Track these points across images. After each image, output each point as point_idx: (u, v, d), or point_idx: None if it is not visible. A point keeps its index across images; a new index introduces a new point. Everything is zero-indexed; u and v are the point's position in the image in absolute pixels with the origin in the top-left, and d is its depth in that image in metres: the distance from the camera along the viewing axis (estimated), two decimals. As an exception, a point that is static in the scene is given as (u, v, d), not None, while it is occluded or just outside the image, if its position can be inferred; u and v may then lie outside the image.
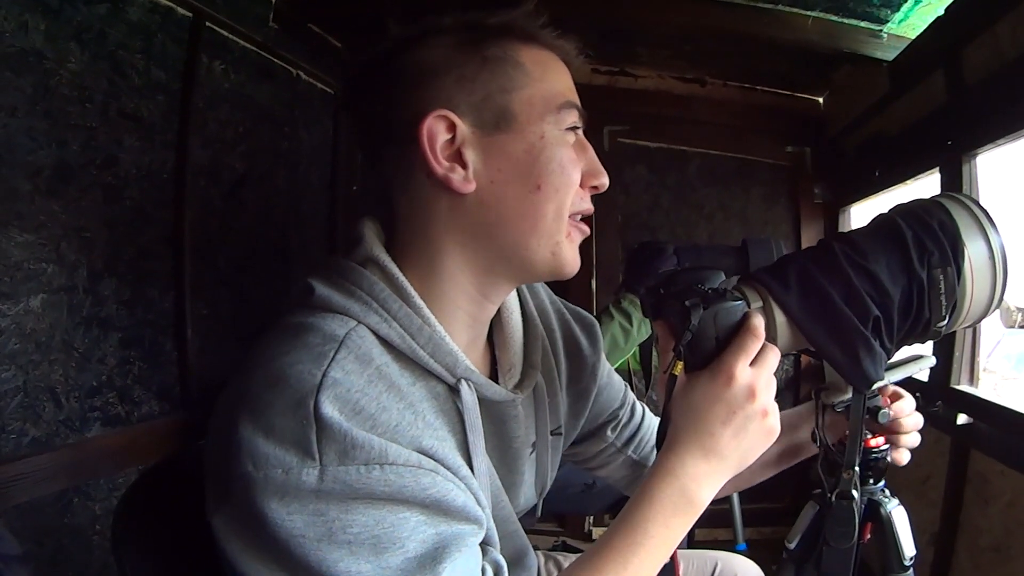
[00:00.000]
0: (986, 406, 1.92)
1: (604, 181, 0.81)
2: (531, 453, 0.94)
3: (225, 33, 2.18)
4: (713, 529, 2.66)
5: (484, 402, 0.81)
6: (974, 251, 0.81)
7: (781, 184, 3.21)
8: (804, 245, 3.11)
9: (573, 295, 3.10)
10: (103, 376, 1.79)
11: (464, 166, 0.76)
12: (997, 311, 0.88)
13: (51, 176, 1.61)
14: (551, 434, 0.96)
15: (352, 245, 0.80)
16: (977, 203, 0.84)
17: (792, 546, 1.02)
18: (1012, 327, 2.39)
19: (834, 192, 3.11)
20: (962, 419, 2.00)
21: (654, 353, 2.07)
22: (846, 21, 2.36)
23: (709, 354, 0.77)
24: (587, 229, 0.82)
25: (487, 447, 0.81)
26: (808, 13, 2.34)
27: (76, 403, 1.70)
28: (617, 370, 2.09)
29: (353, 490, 0.61)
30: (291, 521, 0.60)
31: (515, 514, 0.90)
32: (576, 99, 0.80)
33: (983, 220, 0.83)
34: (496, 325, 0.91)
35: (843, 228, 3.09)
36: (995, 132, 1.85)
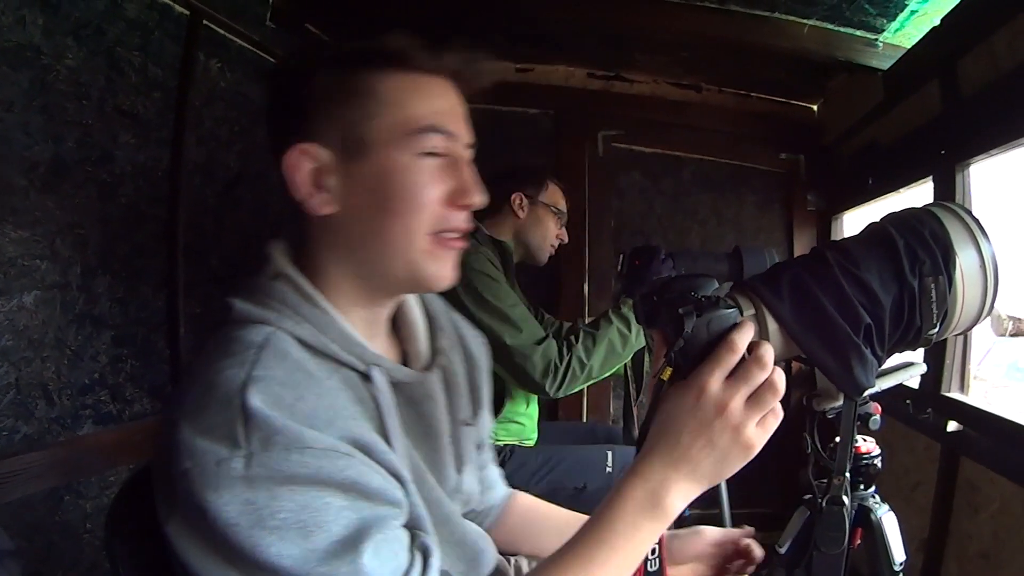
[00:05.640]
0: (976, 413, 1.93)
1: (471, 200, 0.85)
2: (452, 437, 0.97)
3: (222, 32, 2.18)
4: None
5: (398, 386, 0.86)
6: (965, 260, 0.82)
7: (775, 191, 3.22)
8: (797, 252, 3.12)
9: (566, 300, 3.12)
10: (95, 374, 1.78)
11: (327, 191, 0.83)
12: (988, 319, 0.88)
13: (46, 172, 1.61)
14: (464, 424, 1.00)
15: (262, 265, 0.87)
16: (969, 212, 0.85)
17: (782, 551, 1.03)
18: (1003, 335, 2.40)
19: (827, 200, 3.12)
20: (952, 426, 2.01)
21: (646, 359, 2.07)
22: (842, 30, 2.37)
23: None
24: (458, 244, 0.86)
25: (407, 430, 0.86)
26: (804, 21, 2.35)
27: (68, 401, 1.70)
28: (613, 376, 2.10)
29: (277, 474, 0.66)
30: (226, 511, 0.65)
31: (447, 496, 0.93)
32: (444, 121, 0.84)
33: (975, 229, 0.83)
34: (400, 320, 0.97)
35: (835, 236, 3.11)
36: (989, 142, 1.86)
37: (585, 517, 1.13)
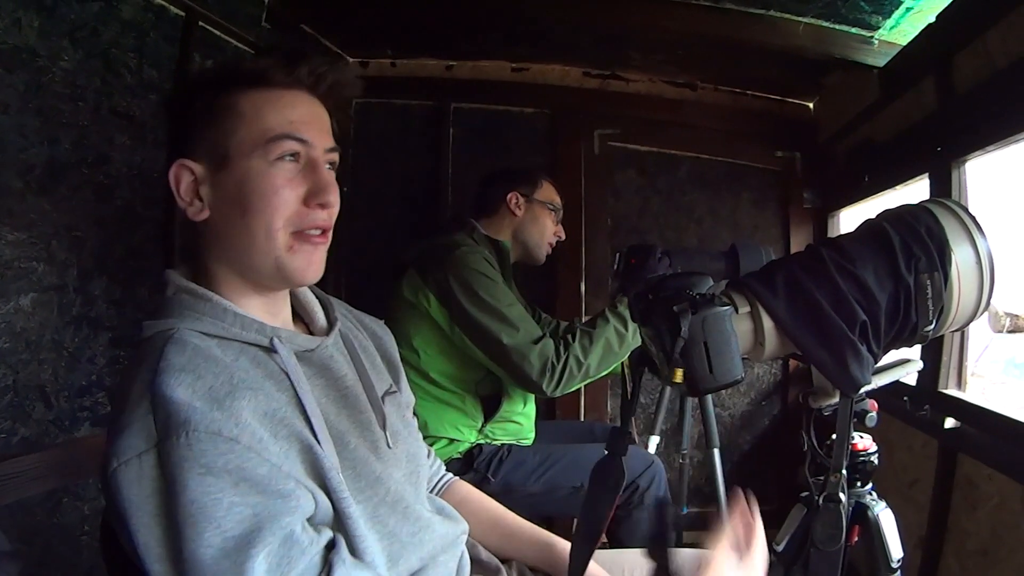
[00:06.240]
0: (974, 410, 1.93)
1: (325, 199, 0.91)
2: (369, 397, 1.02)
3: (218, 33, 2.18)
4: (702, 532, 2.66)
5: (304, 356, 0.94)
6: (961, 256, 0.82)
7: (771, 189, 3.22)
8: (793, 250, 3.11)
9: (563, 299, 3.12)
10: (93, 376, 1.78)
11: (201, 200, 0.91)
12: (985, 315, 0.88)
13: (42, 174, 1.61)
14: (388, 393, 1.08)
15: (163, 289, 0.94)
16: (965, 209, 0.85)
17: (780, 548, 1.03)
18: (1000, 332, 2.40)
19: (823, 197, 3.12)
20: (950, 423, 2.00)
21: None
22: (837, 27, 2.37)
23: (699, 359, 0.77)
24: (318, 241, 0.93)
25: (323, 396, 0.93)
26: (800, 19, 2.35)
27: (66, 403, 1.70)
28: (611, 375, 2.10)
29: (176, 462, 0.71)
30: (147, 504, 0.72)
31: (378, 457, 0.96)
32: (297, 128, 0.91)
33: (970, 225, 0.83)
34: (296, 303, 1.05)
35: (832, 233, 3.10)
36: (984, 139, 1.86)
37: (513, 515, 1.22)
